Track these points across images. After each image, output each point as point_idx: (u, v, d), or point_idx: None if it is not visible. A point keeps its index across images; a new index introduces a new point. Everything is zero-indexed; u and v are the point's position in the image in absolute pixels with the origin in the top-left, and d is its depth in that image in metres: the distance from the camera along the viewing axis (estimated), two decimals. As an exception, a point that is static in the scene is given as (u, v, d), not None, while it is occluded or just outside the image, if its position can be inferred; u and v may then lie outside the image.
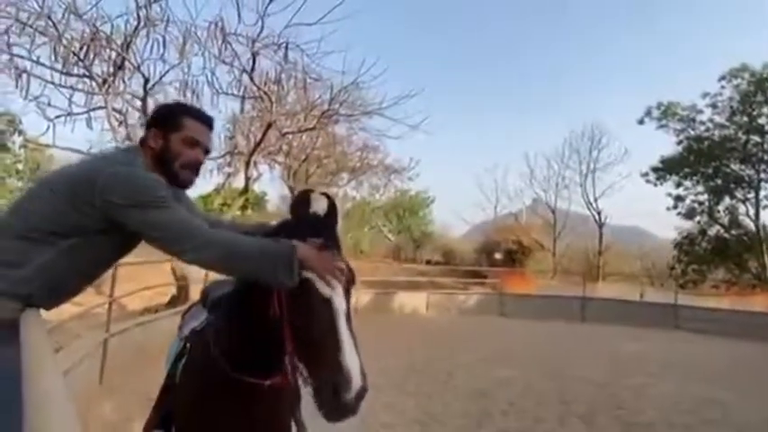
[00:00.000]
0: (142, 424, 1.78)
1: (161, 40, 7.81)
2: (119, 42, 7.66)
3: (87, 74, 7.68)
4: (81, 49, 7.37)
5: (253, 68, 8.60)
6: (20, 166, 20.59)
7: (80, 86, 7.97)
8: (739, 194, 20.87)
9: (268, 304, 1.24)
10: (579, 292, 13.22)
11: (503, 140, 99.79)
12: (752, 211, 20.53)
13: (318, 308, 1.15)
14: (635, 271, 25.01)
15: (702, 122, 21.56)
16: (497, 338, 8.95)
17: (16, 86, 7.25)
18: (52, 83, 7.58)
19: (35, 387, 0.75)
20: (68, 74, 7.59)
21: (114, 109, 8.16)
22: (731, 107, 20.43)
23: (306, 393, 1.22)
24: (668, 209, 22.80)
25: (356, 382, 1.06)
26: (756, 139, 19.87)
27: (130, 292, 6.01)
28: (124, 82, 8.29)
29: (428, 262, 26.95)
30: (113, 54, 7.74)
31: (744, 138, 20.24)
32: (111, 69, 7.86)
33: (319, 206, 1.32)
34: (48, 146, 9.83)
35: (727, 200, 21.26)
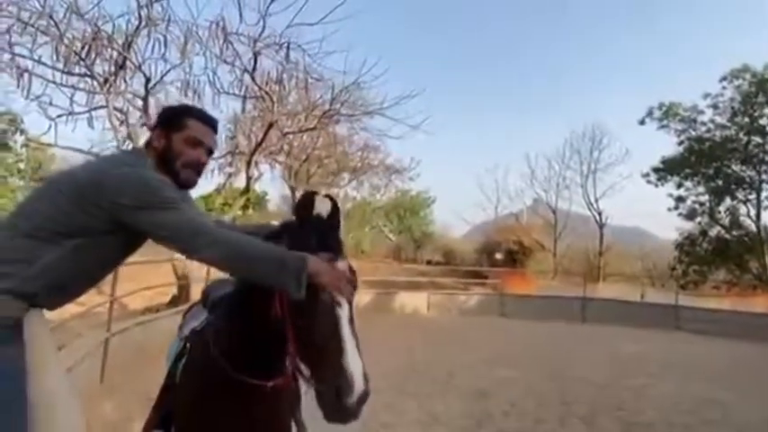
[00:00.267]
0: (142, 423, 1.79)
1: (162, 39, 7.83)
2: (120, 42, 7.66)
3: (89, 73, 7.69)
4: (82, 48, 7.37)
5: (254, 68, 8.61)
6: (21, 166, 20.64)
7: (81, 86, 8.00)
8: (740, 195, 20.84)
9: (269, 305, 1.24)
10: (580, 292, 13.22)
11: (503, 140, 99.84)
12: (753, 212, 20.51)
13: (321, 310, 1.15)
14: (636, 272, 25.00)
15: (703, 123, 21.54)
16: (498, 339, 8.94)
17: (18, 86, 7.27)
18: (54, 82, 7.60)
19: (40, 385, 0.75)
20: (70, 73, 7.61)
21: (116, 108, 8.17)
22: (732, 108, 20.40)
23: (306, 394, 1.22)
24: (669, 209, 22.79)
25: (359, 386, 1.06)
26: (758, 139, 19.84)
27: (131, 292, 6.03)
28: (125, 81, 8.30)
29: (429, 262, 26.95)
30: (115, 53, 7.75)
31: (745, 139, 20.20)
32: (113, 69, 7.86)
33: (322, 208, 1.32)
34: (49, 145, 9.85)
35: (728, 201, 21.23)
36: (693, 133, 21.70)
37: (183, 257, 1.34)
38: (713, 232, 21.69)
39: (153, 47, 7.81)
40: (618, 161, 26.97)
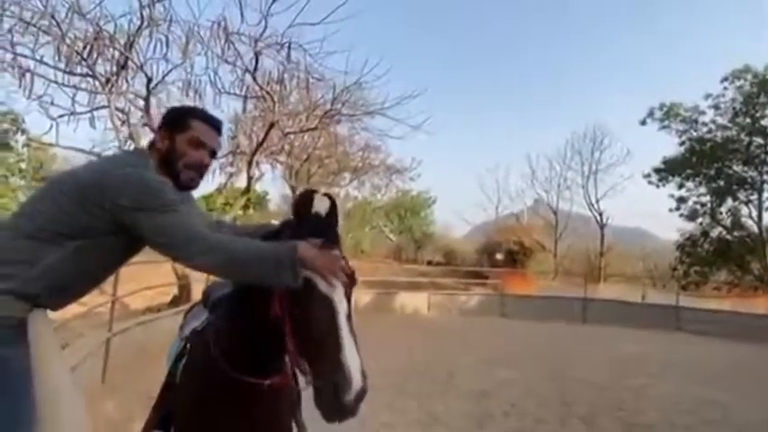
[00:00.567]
0: (143, 423, 1.79)
1: (164, 39, 7.84)
2: (122, 42, 7.67)
3: (90, 73, 7.70)
4: (84, 48, 7.39)
5: (255, 68, 8.61)
6: (23, 165, 20.67)
7: (83, 86, 8.00)
8: (742, 196, 20.81)
9: (268, 304, 1.24)
10: (580, 293, 13.22)
11: (504, 140, 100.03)
12: (754, 213, 20.47)
13: (319, 308, 1.15)
14: (637, 272, 24.99)
15: (705, 124, 21.51)
16: (498, 339, 8.94)
17: (20, 86, 7.28)
18: (55, 82, 7.61)
19: (46, 384, 0.76)
20: (71, 73, 7.62)
21: (117, 108, 8.18)
22: (734, 108, 20.37)
23: (306, 394, 1.22)
24: (670, 210, 22.76)
25: (356, 384, 1.06)
26: (759, 140, 19.81)
27: (133, 292, 6.03)
28: (127, 81, 8.31)
29: (429, 262, 26.93)
30: (116, 53, 7.76)
31: (746, 139, 20.17)
32: (115, 69, 7.87)
33: (321, 206, 1.32)
34: (51, 145, 9.86)
35: (729, 201, 21.19)
36: (695, 134, 21.67)
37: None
38: (714, 233, 21.65)
39: (155, 47, 7.83)
40: (619, 162, 26.98)
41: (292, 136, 11.08)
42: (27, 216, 1.25)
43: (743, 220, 21.03)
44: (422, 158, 16.67)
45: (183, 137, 1.40)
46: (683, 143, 21.91)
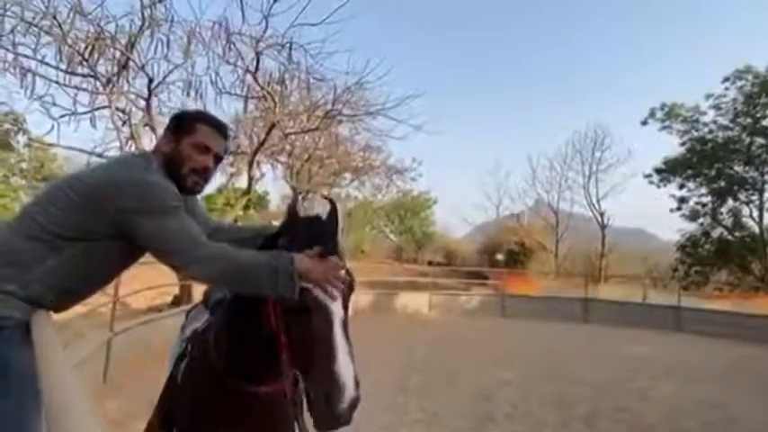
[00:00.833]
0: (145, 423, 1.79)
1: (165, 40, 7.83)
2: (123, 42, 7.68)
3: (92, 73, 7.71)
4: (86, 48, 7.39)
5: (256, 68, 8.61)
6: (24, 165, 20.71)
7: (84, 86, 8.00)
8: (743, 196, 20.79)
9: (264, 311, 1.23)
10: (581, 293, 13.21)
11: (505, 141, 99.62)
12: (755, 214, 20.46)
13: (314, 315, 1.14)
14: (637, 273, 24.92)
15: (706, 124, 21.51)
16: (499, 340, 8.94)
17: (21, 86, 7.28)
18: (57, 82, 7.61)
19: (52, 385, 0.76)
20: (73, 73, 7.62)
21: (118, 108, 8.18)
22: (735, 109, 20.37)
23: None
24: (671, 210, 22.76)
25: (349, 393, 1.05)
26: (760, 140, 19.80)
27: (134, 292, 6.04)
28: (128, 82, 8.31)
29: (430, 263, 26.93)
30: (118, 54, 7.76)
31: (748, 140, 20.16)
32: (116, 69, 7.88)
33: (321, 209, 1.31)
34: (52, 145, 9.87)
35: (730, 202, 21.18)
36: (696, 134, 21.67)
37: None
38: (715, 233, 21.64)
39: (156, 47, 7.82)
40: (620, 162, 26.94)
41: (293, 136, 11.08)
42: (30, 217, 1.25)
43: (744, 220, 21.04)
44: (422, 159, 16.74)
45: (188, 140, 1.39)
46: (684, 143, 21.92)
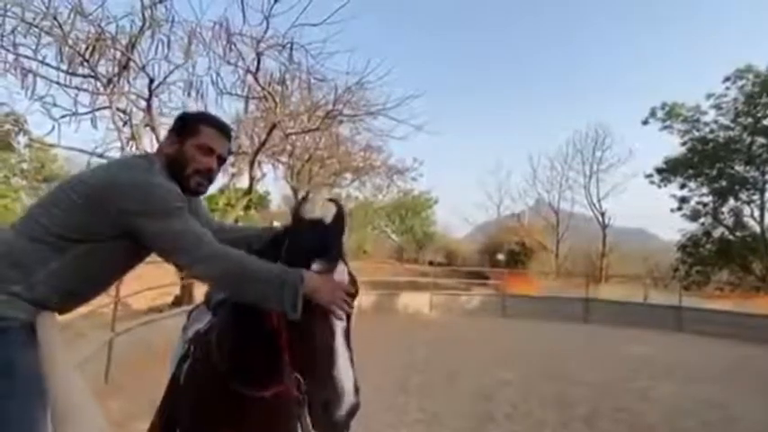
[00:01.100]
0: (147, 423, 1.80)
1: (166, 40, 7.84)
2: (124, 43, 7.68)
3: (92, 74, 7.71)
4: (86, 49, 7.39)
5: (257, 69, 8.62)
6: (25, 166, 20.73)
7: (85, 86, 8.01)
8: (744, 196, 20.76)
9: (266, 315, 1.23)
10: (582, 293, 13.21)
11: (506, 141, 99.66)
12: (756, 213, 20.43)
13: (315, 320, 1.14)
14: (638, 272, 24.92)
15: (706, 124, 21.48)
16: (500, 340, 8.95)
17: (22, 86, 7.28)
18: (57, 83, 7.61)
19: (58, 386, 0.77)
20: (73, 74, 7.62)
21: (119, 109, 8.19)
22: (736, 108, 20.34)
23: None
24: (672, 210, 22.75)
25: (348, 399, 1.05)
26: (761, 140, 19.78)
27: (135, 292, 6.05)
28: (129, 82, 8.32)
29: (431, 263, 26.93)
30: (118, 54, 7.77)
31: (749, 139, 20.14)
32: (116, 69, 7.89)
33: (326, 212, 1.31)
34: (52, 145, 9.88)
35: (731, 201, 21.15)
36: (697, 134, 21.65)
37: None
38: (716, 233, 21.62)
39: (156, 48, 7.83)
40: (621, 162, 26.91)
41: (294, 136, 11.09)
42: (34, 219, 1.25)
43: (745, 220, 21.01)
44: (423, 159, 16.74)
45: (192, 142, 1.39)
46: (684, 143, 21.90)
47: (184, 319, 2.15)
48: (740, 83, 20.00)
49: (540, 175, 30.26)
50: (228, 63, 8.56)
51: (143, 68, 7.93)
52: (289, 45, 8.37)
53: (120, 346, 4.95)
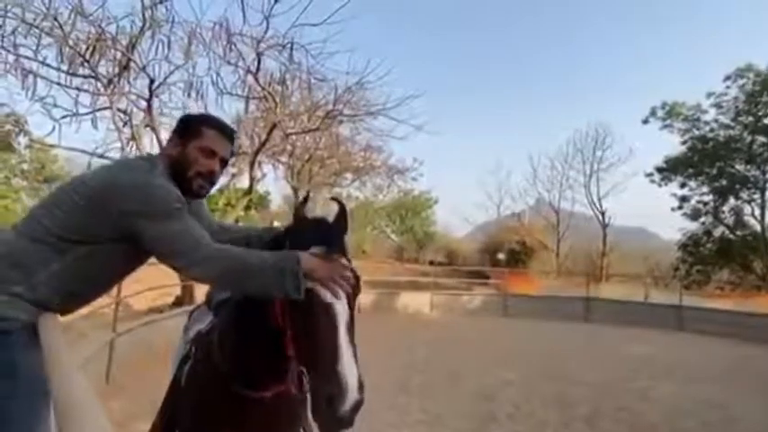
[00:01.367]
0: (148, 423, 1.80)
1: (166, 40, 7.83)
2: (124, 43, 7.68)
3: (93, 74, 7.71)
4: (87, 49, 7.39)
5: (257, 69, 8.61)
6: (25, 167, 20.75)
7: (85, 87, 8.00)
8: (744, 195, 20.78)
9: (270, 311, 1.23)
10: (583, 292, 13.21)
11: (506, 140, 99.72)
12: (757, 212, 20.45)
13: (319, 316, 1.13)
14: (639, 272, 24.93)
15: (707, 122, 21.50)
16: (501, 339, 8.95)
17: (22, 87, 7.28)
18: (58, 83, 7.61)
19: (61, 386, 0.77)
20: (74, 74, 7.62)
21: (119, 109, 8.19)
22: (736, 107, 20.35)
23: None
24: (673, 209, 22.77)
25: (352, 395, 1.04)
26: (762, 139, 19.77)
27: (136, 293, 6.05)
28: (129, 83, 8.31)
29: (431, 262, 26.96)
30: (119, 55, 7.76)
31: (749, 138, 20.14)
32: (117, 70, 7.88)
33: (328, 212, 1.31)
34: (53, 146, 9.88)
35: (732, 200, 21.17)
36: (697, 133, 21.66)
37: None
38: (717, 232, 21.64)
39: (157, 48, 7.82)
40: (621, 161, 26.92)
41: (294, 137, 11.08)
42: (36, 220, 1.25)
43: (745, 219, 21.04)
44: (423, 159, 16.74)
45: (195, 144, 1.39)
46: (685, 142, 21.91)
47: (185, 319, 2.14)
48: (741, 81, 20.01)
49: (540, 174, 30.34)
50: (228, 63, 8.57)
51: (143, 69, 7.93)
52: (289, 45, 8.37)
53: (121, 347, 4.95)
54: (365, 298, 11.20)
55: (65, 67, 7.45)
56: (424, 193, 29.97)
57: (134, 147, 8.20)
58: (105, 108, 8.21)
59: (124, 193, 1.21)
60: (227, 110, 10.18)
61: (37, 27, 6.92)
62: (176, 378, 1.67)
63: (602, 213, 26.65)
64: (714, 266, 21.36)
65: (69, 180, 1.36)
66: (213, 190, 1.57)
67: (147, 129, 8.38)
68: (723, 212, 21.48)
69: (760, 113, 19.62)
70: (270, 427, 1.43)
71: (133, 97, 8.54)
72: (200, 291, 7.04)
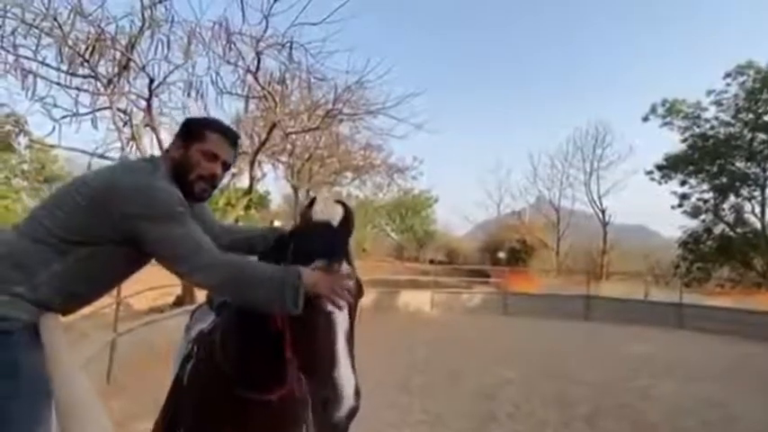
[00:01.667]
0: (149, 423, 1.80)
1: (166, 40, 7.82)
2: (123, 43, 7.67)
3: (92, 74, 7.70)
4: (86, 49, 7.38)
5: (257, 68, 8.60)
6: (25, 167, 20.76)
7: (85, 87, 7.99)
8: (745, 192, 20.77)
9: (270, 315, 1.23)
10: (583, 290, 13.22)
11: (506, 139, 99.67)
12: (757, 210, 20.45)
13: (318, 321, 1.13)
14: (639, 270, 24.94)
15: (707, 120, 21.48)
16: (501, 338, 8.96)
17: (22, 87, 7.27)
18: (58, 83, 7.60)
19: (63, 386, 0.77)
20: (74, 74, 7.61)
21: (119, 109, 8.18)
22: (736, 104, 20.33)
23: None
24: (673, 207, 22.76)
25: (347, 401, 1.04)
26: (762, 136, 19.76)
27: (137, 293, 6.06)
28: (129, 82, 8.30)
29: (431, 261, 26.99)
30: (118, 54, 7.76)
31: (749, 135, 20.13)
32: (116, 70, 7.87)
33: (333, 214, 1.29)
34: (53, 146, 9.88)
35: (732, 198, 21.16)
36: (697, 130, 21.64)
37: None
38: (717, 230, 21.63)
39: (156, 48, 7.81)
40: (621, 159, 26.96)
41: (294, 136, 11.08)
42: (38, 221, 1.25)
43: (746, 216, 21.03)
44: (423, 157, 16.71)
45: (197, 147, 1.39)
46: (685, 140, 21.91)
47: (186, 319, 2.14)
48: (741, 79, 19.99)
49: (540, 172, 30.38)
50: (228, 63, 8.55)
51: (143, 68, 7.92)
52: (288, 44, 8.36)
53: (122, 347, 4.96)
54: (365, 297, 11.06)
55: (64, 67, 7.44)
56: (425, 191, 30.00)
57: (134, 147, 8.20)
58: (105, 108, 8.21)
59: (126, 195, 1.21)
60: (227, 109, 10.22)
61: (36, 27, 6.91)
62: (178, 377, 1.68)
63: (603, 211, 26.69)
64: (714, 264, 21.36)
65: (71, 180, 1.36)
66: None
67: (147, 128, 8.38)
68: (723, 210, 21.47)
69: (760, 111, 19.60)
70: (272, 425, 1.43)
71: (133, 97, 8.54)
72: (201, 291, 7.05)
